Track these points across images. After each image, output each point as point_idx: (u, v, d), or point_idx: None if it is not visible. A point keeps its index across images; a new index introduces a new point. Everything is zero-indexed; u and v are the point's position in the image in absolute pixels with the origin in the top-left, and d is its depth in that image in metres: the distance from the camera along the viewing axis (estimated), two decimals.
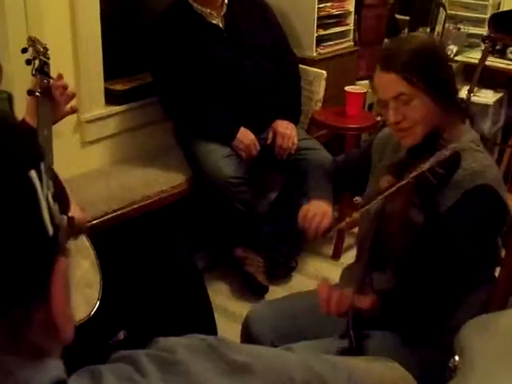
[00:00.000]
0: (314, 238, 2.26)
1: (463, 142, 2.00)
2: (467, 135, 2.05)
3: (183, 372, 1.42)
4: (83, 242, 2.31)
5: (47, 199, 0.82)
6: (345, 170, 2.46)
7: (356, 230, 3.36)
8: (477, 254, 1.98)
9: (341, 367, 1.68)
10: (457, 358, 1.71)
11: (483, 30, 4.89)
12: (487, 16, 4.88)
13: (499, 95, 4.69)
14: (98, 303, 2.16)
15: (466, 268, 1.97)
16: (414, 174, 1.93)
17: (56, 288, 0.84)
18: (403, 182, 1.96)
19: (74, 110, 2.49)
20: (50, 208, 0.82)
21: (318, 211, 2.24)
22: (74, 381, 1.31)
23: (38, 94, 2.31)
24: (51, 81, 2.37)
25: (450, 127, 2.03)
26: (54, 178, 1.73)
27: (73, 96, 2.43)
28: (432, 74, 1.99)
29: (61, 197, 0.87)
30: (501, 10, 5.02)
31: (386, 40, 4.95)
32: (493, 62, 4.50)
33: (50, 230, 0.81)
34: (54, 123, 2.42)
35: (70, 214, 2.10)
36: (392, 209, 2.00)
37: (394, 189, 1.97)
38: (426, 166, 1.92)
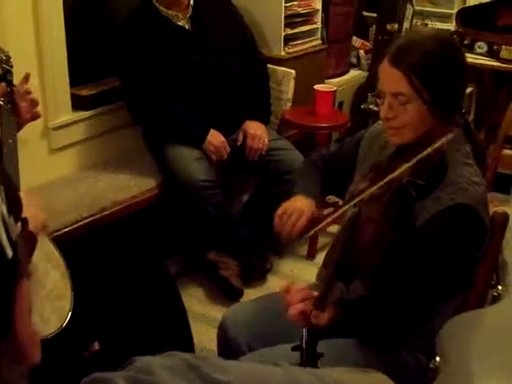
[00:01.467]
0: (289, 240, 2.22)
1: (451, 153, 1.94)
2: (458, 146, 1.98)
3: None
4: (53, 251, 2.27)
5: (2, 217, 0.75)
6: (332, 164, 2.40)
7: (330, 228, 3.36)
8: (449, 272, 1.91)
9: (328, 380, 1.65)
10: (438, 358, 1.70)
11: (451, 25, 4.91)
12: (454, 11, 4.90)
13: (469, 90, 4.70)
14: (70, 314, 2.11)
15: (438, 285, 1.91)
16: (389, 177, 1.89)
17: (19, 314, 0.78)
18: (375, 187, 1.91)
19: (36, 116, 2.44)
20: (6, 226, 0.75)
21: (294, 210, 2.18)
22: None
23: (0, 102, 2.27)
24: (14, 88, 2.34)
25: (440, 136, 1.93)
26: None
27: (36, 103, 2.39)
28: (437, 82, 1.92)
29: (13, 199, 0.80)
30: (467, 5, 5.04)
31: (354, 38, 4.96)
32: None
33: (9, 252, 0.75)
34: (18, 130, 2.38)
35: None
36: (366, 218, 1.95)
37: (366, 193, 1.92)
38: (398, 171, 1.87)
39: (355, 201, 1.96)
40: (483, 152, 2.08)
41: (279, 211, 2.21)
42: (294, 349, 1.89)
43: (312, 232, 2.21)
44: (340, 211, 2.04)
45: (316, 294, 1.91)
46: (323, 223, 2.15)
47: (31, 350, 0.80)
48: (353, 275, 1.98)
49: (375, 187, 1.91)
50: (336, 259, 1.92)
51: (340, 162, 2.36)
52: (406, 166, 1.87)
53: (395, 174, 1.88)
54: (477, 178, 1.94)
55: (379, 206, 1.91)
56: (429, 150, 1.86)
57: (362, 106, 4.65)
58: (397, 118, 1.96)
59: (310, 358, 1.86)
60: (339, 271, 1.91)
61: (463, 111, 2.07)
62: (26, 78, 2.42)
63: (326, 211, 2.27)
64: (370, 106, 4.47)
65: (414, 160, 1.86)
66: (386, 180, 1.90)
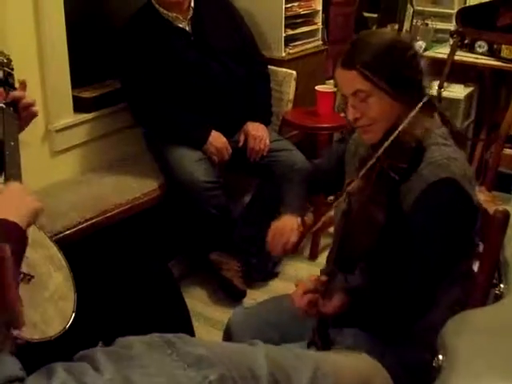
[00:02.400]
0: (283, 253, 2.33)
1: (428, 137, 1.97)
2: (434, 130, 2.01)
3: (138, 365, 1.44)
4: (56, 253, 2.27)
5: None
6: (320, 173, 2.46)
7: (332, 229, 3.36)
8: (445, 249, 1.93)
9: (306, 358, 1.67)
10: (441, 357, 1.70)
11: (451, 25, 4.91)
12: (454, 11, 4.90)
13: (470, 89, 4.71)
14: (74, 316, 2.12)
15: (436, 264, 1.92)
16: (368, 164, 1.93)
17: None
18: (359, 179, 1.95)
19: (33, 115, 2.42)
20: None
21: (284, 229, 2.29)
22: (32, 378, 1.32)
23: (2, 105, 2.28)
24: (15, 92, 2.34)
25: (412, 123, 1.98)
26: None
27: (32, 104, 2.38)
28: (392, 71, 1.96)
29: None
30: (467, 4, 5.04)
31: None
32: (462, 56, 4.51)
33: None
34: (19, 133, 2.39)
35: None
36: (356, 208, 1.98)
37: (353, 185, 1.96)
38: (378, 153, 1.92)
39: (343, 197, 2.00)
40: (460, 132, 2.10)
41: (270, 233, 2.32)
42: (309, 345, 1.92)
43: (303, 238, 2.31)
44: (329, 211, 2.09)
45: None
46: (317, 225, 2.23)
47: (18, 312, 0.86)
48: (353, 264, 2.01)
49: (359, 178, 1.96)
50: (335, 250, 1.95)
51: (329, 173, 2.41)
52: (381, 150, 1.92)
53: (373, 159, 1.93)
54: (456, 155, 1.97)
55: (366, 192, 1.95)
56: (399, 129, 1.91)
57: None
58: (364, 116, 2.00)
59: (324, 348, 1.90)
60: (340, 262, 1.94)
61: (425, 93, 2.07)
62: (23, 85, 2.41)
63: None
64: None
65: (387, 143, 1.91)
66: (366, 167, 1.94)
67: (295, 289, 2.06)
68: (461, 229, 1.97)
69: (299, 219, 2.33)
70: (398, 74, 1.97)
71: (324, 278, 1.98)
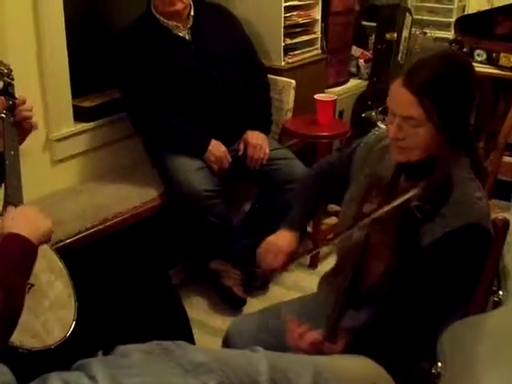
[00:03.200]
0: (268, 273, 2.31)
1: (455, 169, 1.94)
2: (459, 161, 1.97)
3: (135, 374, 1.45)
4: (56, 262, 2.28)
5: None
6: (326, 180, 2.41)
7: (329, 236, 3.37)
8: (459, 290, 1.92)
9: (306, 363, 1.67)
10: (440, 364, 1.70)
11: (449, 34, 4.92)
12: (453, 20, 4.91)
13: None
14: (74, 324, 2.13)
15: (447, 303, 1.91)
16: (391, 205, 1.89)
17: None
18: (379, 213, 1.91)
19: (33, 127, 2.44)
20: None
21: (272, 248, 2.27)
22: None
23: (2, 115, 2.29)
24: (16, 101, 2.36)
25: (447, 160, 1.96)
26: None
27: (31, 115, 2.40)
28: (447, 103, 1.88)
29: None
30: (466, 13, 5.05)
31: (353, 47, 4.98)
32: None
33: None
34: (20, 144, 2.40)
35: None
36: (377, 245, 1.94)
37: (371, 217, 1.93)
38: (408, 195, 1.87)
39: (360, 224, 1.96)
40: (482, 165, 2.07)
41: (262, 246, 2.32)
42: None
43: (293, 261, 2.30)
44: (335, 240, 2.07)
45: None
46: (308, 254, 2.21)
47: None
48: (363, 301, 1.99)
49: (379, 212, 1.92)
50: (346, 287, 1.93)
51: (336, 176, 2.36)
52: (411, 193, 1.87)
53: (402, 199, 1.88)
54: (479, 193, 1.94)
55: (388, 232, 1.92)
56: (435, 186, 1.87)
57: (363, 115, 4.66)
58: (406, 140, 1.93)
59: None
60: (349, 298, 1.93)
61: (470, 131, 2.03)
62: (23, 102, 2.43)
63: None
64: (373, 114, 4.49)
65: (421, 188, 1.87)
66: (387, 208, 1.90)
67: (294, 328, 2.02)
68: (480, 268, 1.95)
69: (295, 237, 2.31)
70: (453, 108, 1.90)
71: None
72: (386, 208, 1.90)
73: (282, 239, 2.30)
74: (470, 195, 1.91)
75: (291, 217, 2.39)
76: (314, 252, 2.14)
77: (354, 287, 1.92)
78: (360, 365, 1.82)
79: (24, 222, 1.91)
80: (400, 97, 1.91)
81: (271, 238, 2.31)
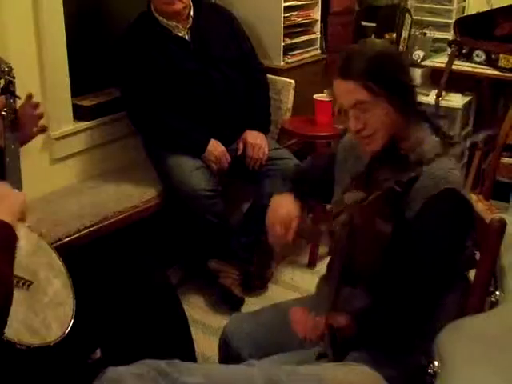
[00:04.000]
0: (282, 249, 2.28)
1: (424, 147, 2.00)
2: (427, 140, 2.03)
3: None
4: (55, 260, 2.29)
5: None
6: (309, 178, 2.42)
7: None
8: (448, 258, 1.97)
9: (303, 375, 1.67)
10: (436, 363, 1.71)
11: (449, 35, 4.93)
12: (452, 20, 4.92)
13: (467, 98, 4.72)
14: (72, 321, 2.13)
15: (439, 273, 1.96)
16: (378, 193, 1.94)
17: None
18: (370, 199, 1.96)
19: (43, 130, 2.48)
20: None
21: (281, 219, 2.22)
22: None
23: (3, 113, 2.30)
24: (17, 100, 2.37)
25: (408, 132, 2.03)
26: None
27: (41, 116, 2.43)
28: (391, 79, 1.98)
29: None
30: (465, 14, 5.06)
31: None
32: (459, 65, 4.53)
33: None
34: (23, 144, 2.42)
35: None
36: (360, 222, 1.98)
37: (353, 197, 1.99)
38: (389, 183, 1.92)
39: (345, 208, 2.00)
40: (449, 138, 2.11)
41: (268, 226, 2.26)
42: (318, 357, 1.94)
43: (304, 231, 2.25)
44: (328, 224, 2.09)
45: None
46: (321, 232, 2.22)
47: None
48: (358, 279, 2.01)
49: (365, 202, 1.97)
50: (340, 267, 1.95)
51: (316, 176, 2.40)
52: (390, 180, 1.92)
53: (388, 186, 1.93)
54: (451, 165, 2.00)
55: (370, 210, 1.96)
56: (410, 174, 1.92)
57: None
58: (367, 126, 2.00)
59: (336, 360, 1.91)
60: (344, 276, 1.95)
61: (418, 102, 2.12)
62: (29, 97, 2.45)
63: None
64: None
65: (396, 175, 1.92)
66: (372, 197, 1.95)
67: (295, 314, 2.03)
68: (462, 236, 2.01)
69: (292, 196, 2.29)
70: (395, 79, 1.99)
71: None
72: (368, 200, 1.96)
73: (280, 207, 2.26)
74: (443, 167, 1.97)
75: (275, 186, 2.43)
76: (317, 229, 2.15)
77: (348, 267, 1.95)
78: (359, 375, 1.82)
79: None
80: (341, 90, 2.01)
81: (271, 214, 2.26)
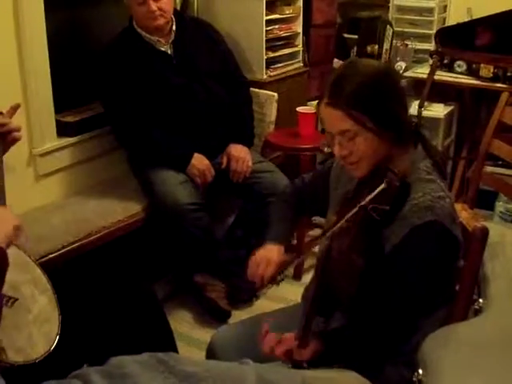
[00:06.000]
0: (262, 286, 2.28)
1: (412, 172, 1.96)
2: (418, 164, 1.99)
3: (132, 382, 1.48)
4: (40, 276, 2.28)
5: None
6: (305, 195, 2.43)
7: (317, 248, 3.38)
8: (428, 291, 1.93)
9: (295, 375, 1.69)
10: (420, 371, 1.72)
11: (430, 45, 4.96)
12: (433, 31, 4.95)
13: (450, 108, 4.75)
14: (58, 338, 2.13)
15: (417, 304, 1.92)
16: (351, 213, 1.90)
17: None
18: (342, 222, 1.92)
19: (16, 139, 2.44)
20: None
21: (262, 260, 2.25)
22: None
23: None
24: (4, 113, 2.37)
25: (398, 157, 1.99)
26: None
27: (16, 129, 2.40)
28: (378, 108, 1.93)
29: None
30: (446, 25, 5.09)
31: (335, 60, 5.01)
32: (441, 76, 4.56)
33: None
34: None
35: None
36: (336, 250, 1.96)
37: (335, 228, 1.93)
38: (362, 202, 1.88)
39: (325, 236, 1.98)
40: (443, 165, 2.09)
41: (251, 261, 2.29)
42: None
43: (282, 276, 2.25)
44: (310, 248, 2.08)
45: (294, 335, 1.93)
46: (293, 263, 2.23)
47: None
48: (331, 309, 2.01)
49: (342, 221, 1.92)
50: (312, 296, 1.94)
51: (313, 192, 2.39)
52: (367, 198, 1.88)
53: (356, 209, 1.90)
54: (441, 193, 1.94)
55: (347, 238, 1.94)
56: (382, 186, 1.88)
57: None
58: (352, 154, 1.98)
59: None
60: (317, 306, 1.94)
61: (416, 126, 2.08)
62: (15, 108, 2.44)
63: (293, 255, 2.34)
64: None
65: (373, 194, 1.88)
66: (350, 214, 1.91)
67: (267, 336, 2.01)
68: (445, 266, 1.96)
69: (281, 249, 2.30)
70: (384, 110, 1.94)
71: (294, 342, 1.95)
72: (345, 217, 1.91)
73: (269, 252, 2.28)
74: (430, 195, 1.91)
75: (275, 230, 2.38)
76: (301, 259, 2.13)
77: (323, 295, 1.94)
78: (346, 378, 1.83)
79: None
80: (329, 116, 1.97)
81: (259, 253, 2.29)
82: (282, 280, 2.23)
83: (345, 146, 1.97)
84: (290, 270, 4.01)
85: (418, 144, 2.04)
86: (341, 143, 1.98)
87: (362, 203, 1.88)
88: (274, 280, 2.25)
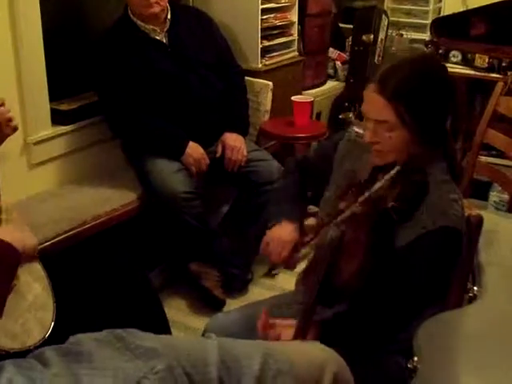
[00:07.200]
0: (279, 264, 2.27)
1: (430, 172, 1.96)
2: (436, 163, 2.00)
3: (86, 360, 1.50)
4: (35, 264, 2.28)
5: None
6: (308, 168, 2.41)
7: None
8: (431, 291, 1.94)
9: (257, 346, 1.70)
10: (416, 358, 1.72)
11: (425, 35, 4.97)
12: (428, 21, 4.96)
13: None
14: (53, 325, 2.13)
15: (419, 301, 1.93)
16: (365, 196, 1.92)
17: None
18: (353, 208, 1.93)
19: (13, 129, 2.43)
20: None
21: (279, 241, 2.23)
22: None
23: None
24: None
25: (422, 156, 1.98)
26: None
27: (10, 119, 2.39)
28: (423, 110, 1.91)
29: None
30: (441, 15, 5.09)
31: (330, 49, 5.00)
32: None
33: None
34: None
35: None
36: (353, 241, 1.94)
37: (348, 213, 1.94)
38: (389, 205, 1.88)
39: (337, 220, 1.97)
40: (459, 167, 2.09)
41: (265, 239, 2.26)
42: None
43: (298, 256, 2.24)
44: (322, 231, 2.06)
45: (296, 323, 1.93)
46: (306, 245, 2.20)
47: None
48: (335, 300, 2.00)
49: (356, 207, 1.93)
50: (318, 285, 1.93)
51: (316, 167, 2.37)
52: (379, 184, 1.91)
53: (370, 192, 1.91)
54: (455, 195, 1.95)
55: (363, 233, 1.92)
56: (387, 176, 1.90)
57: (340, 116, 4.69)
58: (381, 143, 1.97)
59: None
60: (321, 296, 1.93)
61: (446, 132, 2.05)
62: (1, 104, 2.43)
63: (307, 235, 2.30)
64: (350, 115, 4.52)
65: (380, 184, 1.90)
66: (367, 198, 1.92)
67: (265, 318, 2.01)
68: (451, 269, 1.97)
69: (297, 227, 2.27)
70: (427, 112, 1.92)
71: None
72: (358, 202, 1.93)
73: (284, 232, 2.25)
74: (446, 198, 1.92)
75: (289, 208, 2.35)
76: (315, 240, 2.11)
77: (326, 284, 1.93)
78: (310, 348, 1.84)
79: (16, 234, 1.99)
80: (373, 102, 1.94)
81: (273, 232, 2.26)
82: (298, 262, 2.22)
83: (378, 134, 1.96)
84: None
85: (441, 145, 2.04)
86: (375, 130, 1.96)
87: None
88: (290, 263, 2.26)
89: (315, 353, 1.80)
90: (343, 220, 1.95)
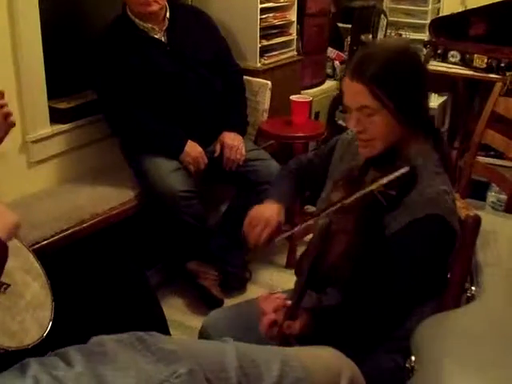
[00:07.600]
0: (255, 247, 2.26)
1: (421, 162, 1.97)
2: (428, 154, 2.01)
3: (109, 361, 1.50)
4: (32, 262, 2.28)
5: None
6: (308, 170, 2.43)
7: (308, 238, 3.38)
8: (421, 281, 1.94)
9: (275, 352, 1.71)
10: (413, 358, 1.73)
11: (424, 36, 4.97)
12: (427, 21, 4.96)
13: (443, 98, 4.76)
14: (51, 324, 2.13)
15: (411, 291, 1.94)
16: (361, 192, 1.92)
17: None
18: (348, 201, 1.94)
19: (11, 125, 2.42)
20: None
21: (261, 219, 2.22)
22: (7, 371, 1.39)
23: None
24: None
25: (410, 143, 2.00)
26: None
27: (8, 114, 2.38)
28: (399, 89, 1.94)
29: None
30: (440, 15, 5.10)
31: (329, 49, 5.01)
32: (435, 66, 4.57)
33: None
34: None
35: None
36: (338, 229, 1.96)
37: (338, 205, 1.95)
38: (373, 186, 1.90)
39: (327, 211, 1.98)
40: (450, 160, 2.11)
41: (247, 219, 2.27)
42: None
43: (279, 239, 2.23)
44: (310, 221, 2.07)
45: (289, 302, 1.95)
46: (289, 233, 2.19)
47: None
48: (324, 284, 2.01)
49: (348, 200, 1.94)
50: (308, 269, 1.94)
51: (315, 169, 2.39)
52: (381, 181, 1.90)
53: (368, 189, 1.92)
54: (445, 187, 1.97)
55: (351, 217, 1.94)
56: (397, 174, 1.89)
57: (336, 119, 4.70)
58: (366, 131, 1.99)
59: None
60: (311, 281, 1.94)
61: (429, 118, 2.09)
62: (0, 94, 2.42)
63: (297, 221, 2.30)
64: (340, 122, 4.53)
65: (391, 177, 1.89)
66: (358, 195, 1.92)
67: (266, 303, 2.03)
68: (441, 258, 1.98)
69: (281, 209, 2.28)
70: (404, 92, 1.95)
71: (289, 302, 1.97)
72: (354, 197, 1.93)
73: (269, 210, 2.26)
74: (436, 188, 1.94)
75: (276, 190, 2.37)
76: (298, 229, 2.11)
77: (315, 270, 1.93)
78: (326, 354, 1.84)
79: None
80: (351, 90, 1.98)
81: (257, 210, 2.27)
82: (276, 245, 2.20)
83: (361, 122, 1.98)
84: (283, 259, 4.03)
85: (430, 136, 2.06)
86: (358, 119, 1.98)
87: (374, 187, 1.90)
88: (268, 244, 2.23)
89: (330, 359, 1.81)
90: (334, 210, 1.96)
